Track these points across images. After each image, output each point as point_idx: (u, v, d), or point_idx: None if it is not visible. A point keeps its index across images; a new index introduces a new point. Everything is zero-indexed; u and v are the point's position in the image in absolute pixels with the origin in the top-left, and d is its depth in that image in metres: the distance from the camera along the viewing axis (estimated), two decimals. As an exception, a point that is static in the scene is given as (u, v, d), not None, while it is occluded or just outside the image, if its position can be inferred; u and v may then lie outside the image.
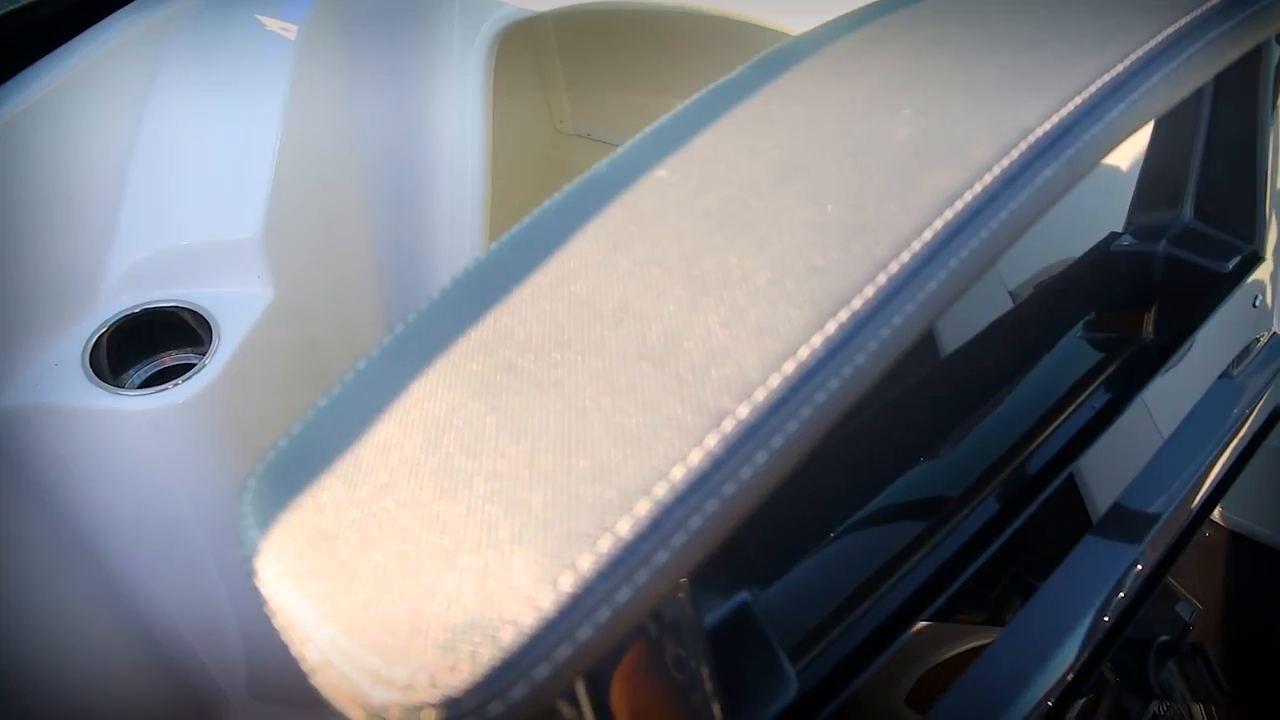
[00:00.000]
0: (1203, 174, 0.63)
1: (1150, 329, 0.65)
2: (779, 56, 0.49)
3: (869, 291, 0.31)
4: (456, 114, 1.22)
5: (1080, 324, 0.65)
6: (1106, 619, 0.48)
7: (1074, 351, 0.63)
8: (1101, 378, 0.61)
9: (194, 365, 1.05)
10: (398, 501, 0.29)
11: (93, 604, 1.21)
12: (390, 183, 1.32)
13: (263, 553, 0.30)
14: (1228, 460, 0.56)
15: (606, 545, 0.26)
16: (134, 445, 1.06)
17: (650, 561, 0.26)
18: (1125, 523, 0.52)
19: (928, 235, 0.33)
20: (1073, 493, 0.83)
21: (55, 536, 1.11)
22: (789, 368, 0.29)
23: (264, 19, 1.07)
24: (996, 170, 0.35)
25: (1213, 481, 0.54)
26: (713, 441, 0.27)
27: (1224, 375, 0.61)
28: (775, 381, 0.29)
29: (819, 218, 0.34)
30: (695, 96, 0.48)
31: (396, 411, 0.33)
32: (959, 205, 0.34)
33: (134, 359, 1.09)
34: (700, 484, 0.27)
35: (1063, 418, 0.59)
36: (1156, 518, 0.51)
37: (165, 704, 1.44)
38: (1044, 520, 0.54)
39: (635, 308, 0.33)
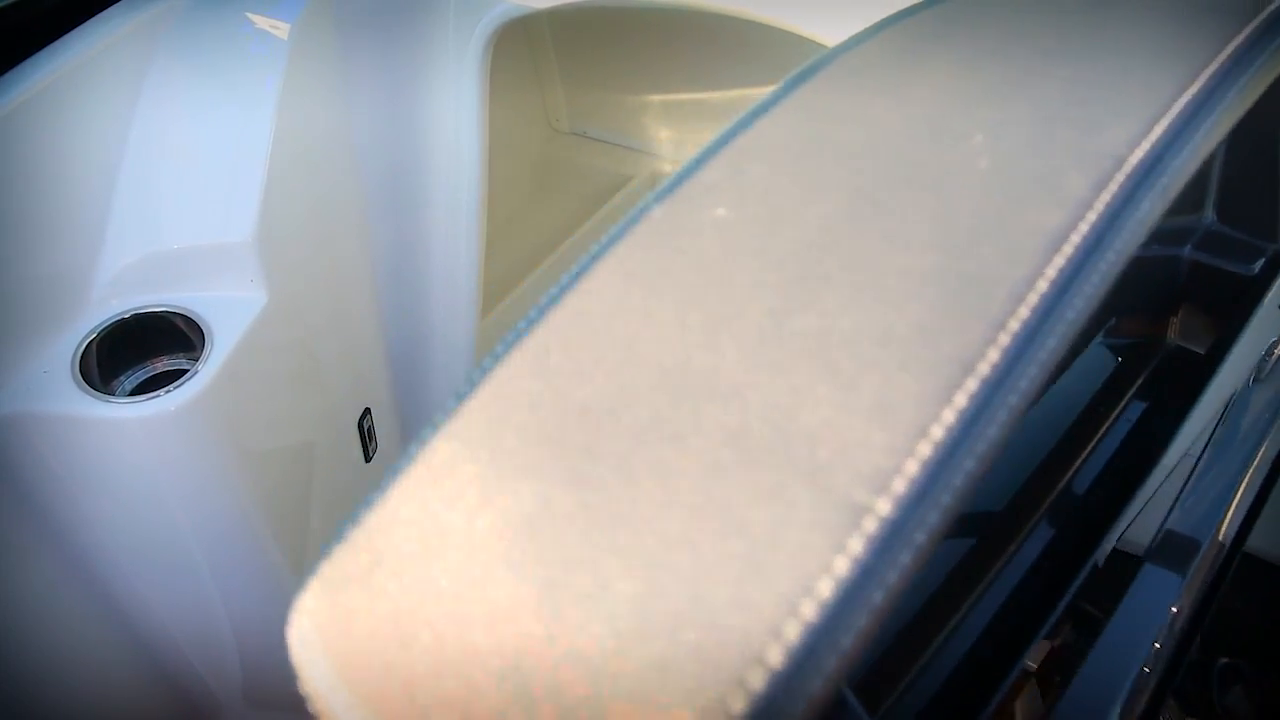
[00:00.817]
0: (1223, 174, 0.61)
1: (1176, 335, 0.63)
2: (818, 72, 0.45)
3: (993, 355, 0.27)
4: (452, 113, 1.20)
5: (1102, 332, 0.63)
6: (1169, 648, 0.46)
7: (1101, 361, 0.61)
8: (1134, 389, 0.59)
9: (186, 371, 1.03)
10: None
11: (85, 613, 1.19)
12: (385, 183, 1.30)
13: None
14: (1268, 476, 0.54)
15: (758, 682, 0.22)
16: (126, 453, 1.04)
17: (803, 691, 0.22)
18: (1176, 549, 0.49)
19: (1042, 285, 0.29)
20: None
21: (46, 546, 1.09)
22: (924, 450, 0.25)
23: (255, 18, 1.05)
24: (1099, 207, 0.31)
25: (1253, 499, 0.52)
26: (857, 546, 0.24)
27: (1252, 383, 0.59)
28: (912, 468, 0.25)
29: (915, 266, 0.31)
30: (736, 120, 0.42)
31: (468, 506, 0.28)
32: (1067, 250, 0.30)
33: (125, 365, 1.07)
34: (849, 598, 0.23)
35: (1104, 434, 0.56)
36: (1202, 540, 0.49)
37: (160, 711, 1.42)
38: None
39: (728, 376, 0.28)
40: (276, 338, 1.14)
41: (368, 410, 1.48)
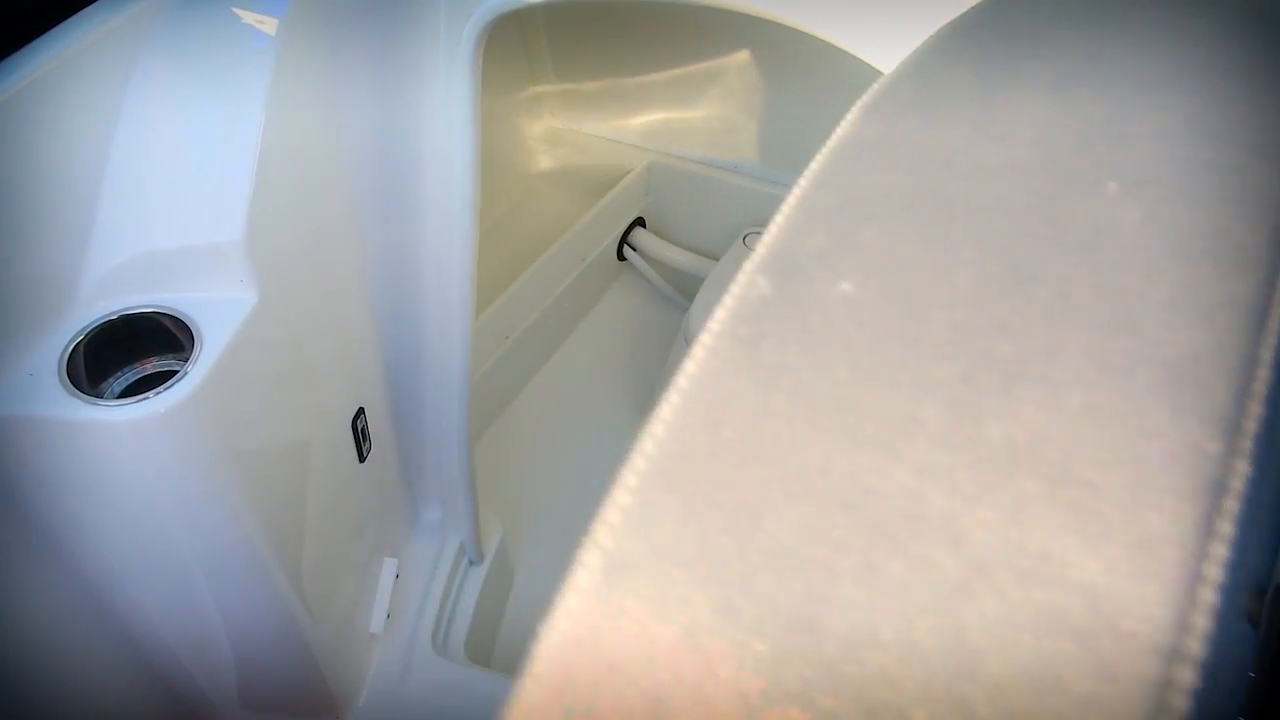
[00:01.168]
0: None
1: None
2: (889, 103, 0.39)
3: (1241, 466, 0.23)
4: (444, 108, 1.19)
5: None
6: None
7: None
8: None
9: (176, 373, 1.01)
10: None
11: (76, 619, 1.18)
12: (376, 181, 1.28)
13: None
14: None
15: None
16: (115, 456, 1.02)
17: None
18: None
19: (1262, 374, 0.24)
20: None
21: (35, 551, 1.08)
22: (1206, 597, 0.21)
23: (243, 13, 1.03)
24: None
25: None
26: None
27: None
28: (1202, 624, 0.21)
29: (1102, 352, 0.26)
30: (817, 164, 0.37)
31: None
32: (1273, 325, 0.25)
33: (113, 367, 1.05)
34: None
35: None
36: None
37: (153, 715, 1.41)
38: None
39: (928, 501, 0.23)
40: (267, 338, 1.12)
41: (361, 410, 1.46)
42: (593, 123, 2.83)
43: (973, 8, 0.45)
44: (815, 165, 0.37)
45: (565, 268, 2.51)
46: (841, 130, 0.39)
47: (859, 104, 0.41)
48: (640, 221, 2.82)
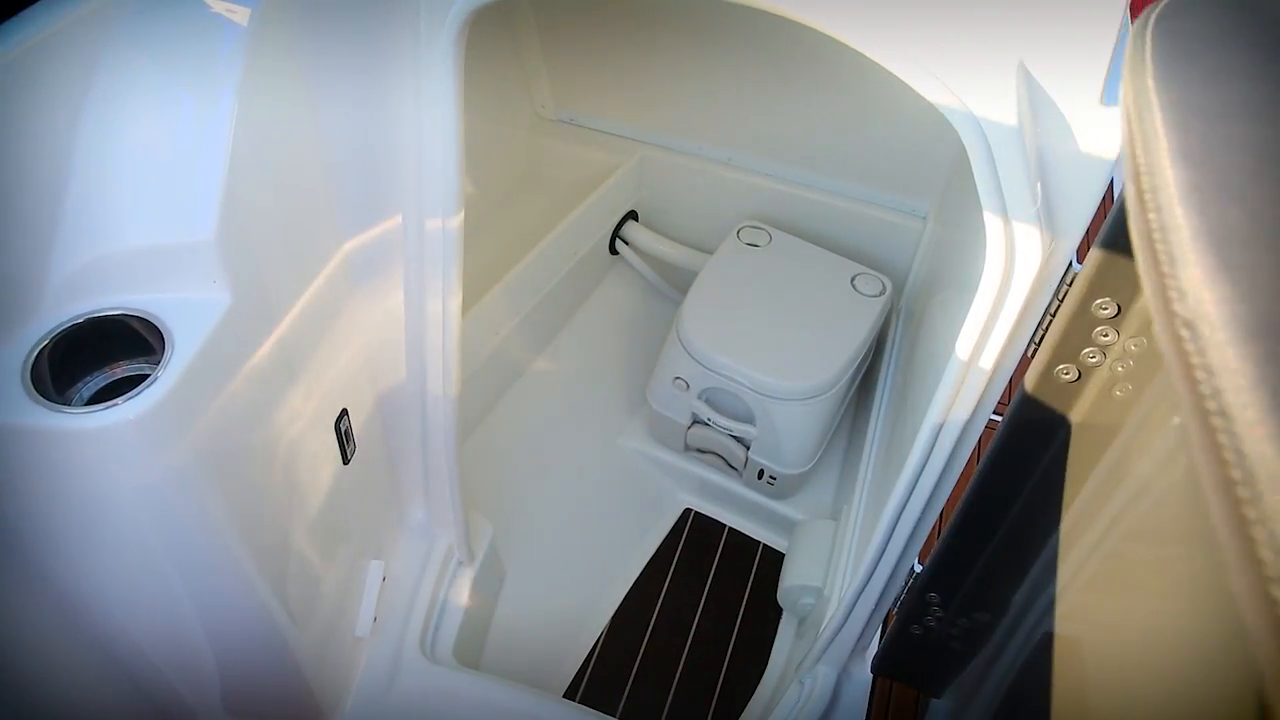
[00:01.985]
0: None
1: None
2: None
3: None
4: (427, 103, 1.15)
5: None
6: None
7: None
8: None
9: (148, 377, 0.97)
10: None
11: (50, 631, 1.14)
12: (359, 176, 1.24)
13: None
14: None
15: None
16: (85, 465, 0.99)
17: None
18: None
19: None
20: None
21: (4, 563, 1.04)
22: None
23: (214, 2, 0.99)
24: None
25: None
26: None
27: None
28: None
29: None
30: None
31: None
32: None
33: (81, 373, 1.01)
34: None
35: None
36: None
37: (135, 724, 1.38)
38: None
39: None
40: (243, 340, 1.08)
41: (345, 411, 1.43)
42: (586, 115, 2.78)
43: None
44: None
45: (557, 262, 2.48)
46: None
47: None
48: (633, 215, 2.78)
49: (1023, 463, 1.21)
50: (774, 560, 2.33)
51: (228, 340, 1.05)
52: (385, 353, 1.51)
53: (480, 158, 2.65)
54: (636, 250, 2.78)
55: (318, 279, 1.24)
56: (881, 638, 1.76)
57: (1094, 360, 1.05)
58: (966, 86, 0.93)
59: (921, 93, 0.95)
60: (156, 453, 1.01)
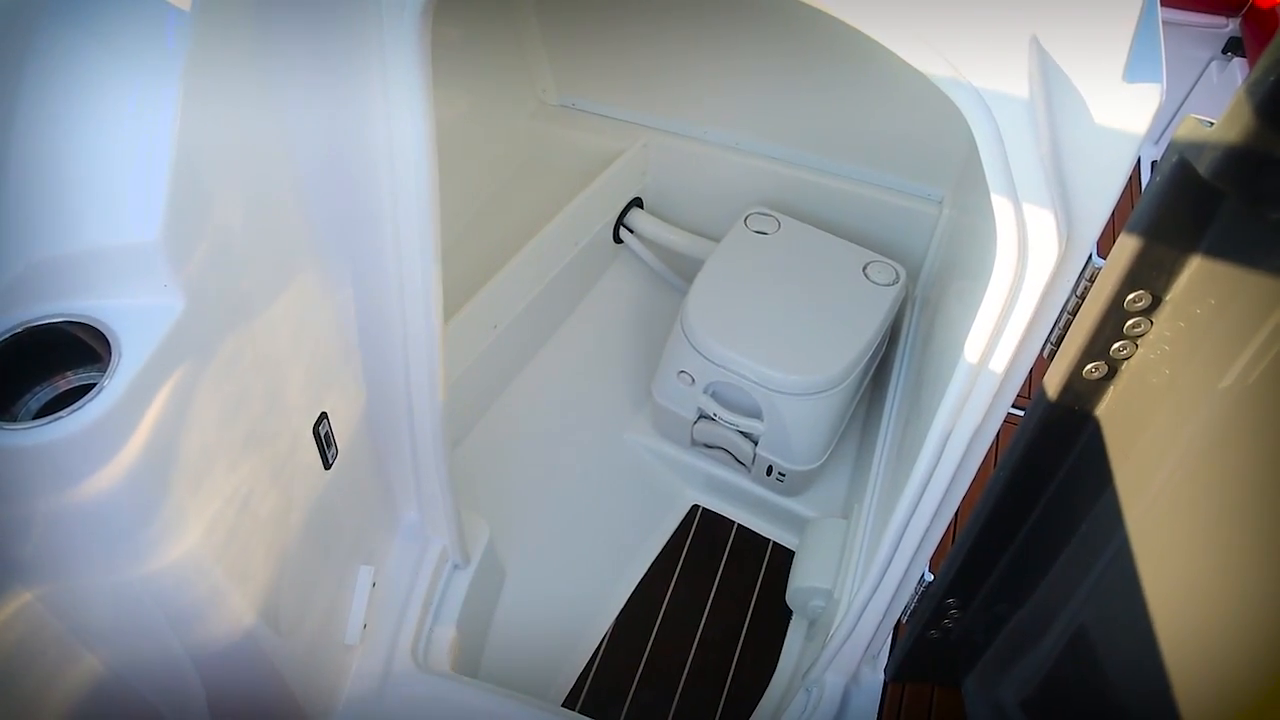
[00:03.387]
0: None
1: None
2: None
3: None
4: (396, 94, 1.07)
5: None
6: None
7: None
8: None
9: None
10: None
11: (12, 658, 1.09)
12: (329, 173, 1.17)
13: None
14: None
15: None
16: (32, 482, 0.93)
17: None
18: None
19: None
20: None
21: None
22: None
23: (157, -16, 0.92)
24: None
25: None
26: None
27: None
28: None
29: None
30: None
31: None
32: None
33: (26, 385, 0.95)
34: None
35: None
36: None
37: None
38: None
39: None
40: (200, 345, 1.02)
41: (324, 415, 1.37)
42: (588, 100, 2.70)
43: None
44: None
45: (557, 252, 2.40)
46: None
47: None
48: (637, 202, 2.70)
49: (1046, 465, 1.13)
50: (784, 558, 2.26)
51: (183, 346, 0.99)
52: (368, 353, 1.44)
53: (479, 145, 2.58)
54: (641, 238, 2.70)
55: (287, 281, 1.17)
56: (892, 643, 1.69)
57: (1125, 353, 0.97)
58: (973, 63, 0.84)
59: (922, 69, 0.86)
60: (113, 465, 0.95)
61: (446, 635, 1.73)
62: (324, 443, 1.38)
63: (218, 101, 0.97)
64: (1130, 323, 0.94)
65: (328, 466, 1.41)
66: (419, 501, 1.72)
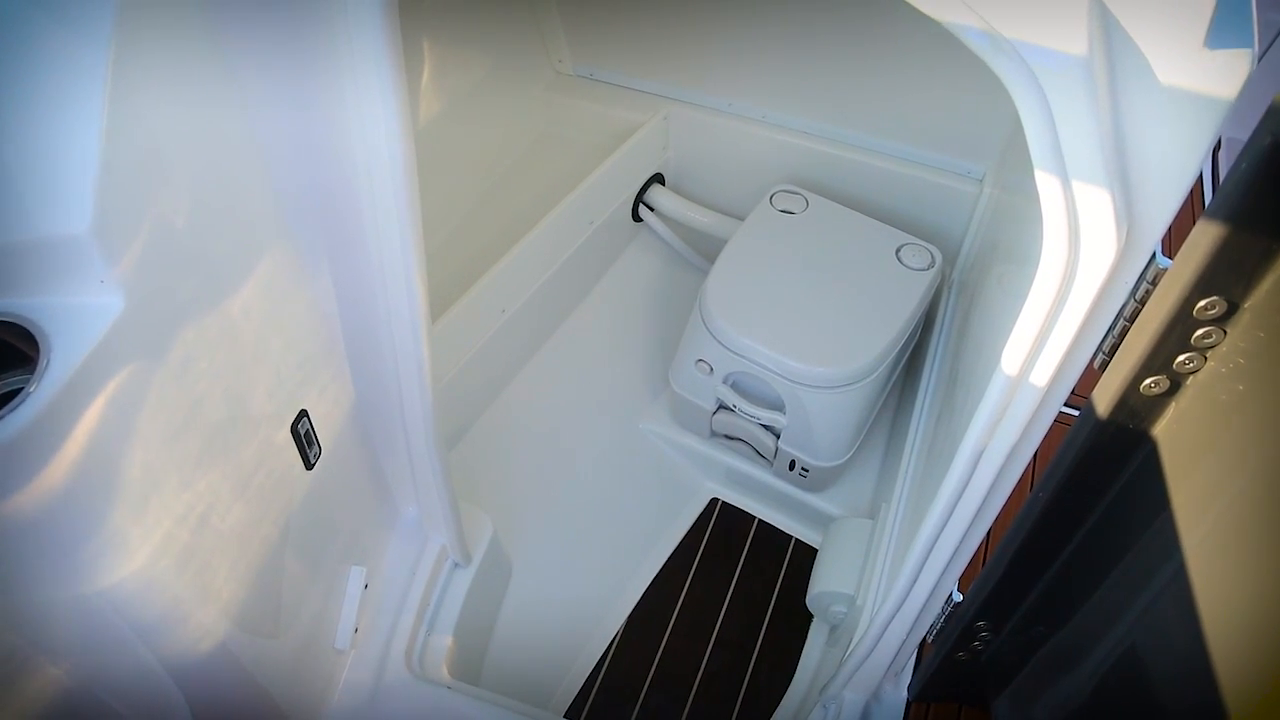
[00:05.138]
0: None
1: None
2: None
3: None
4: (363, 74, 0.96)
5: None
6: None
7: None
8: None
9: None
10: None
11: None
12: (297, 158, 1.07)
13: None
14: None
15: None
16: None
17: None
18: None
19: None
20: None
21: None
22: None
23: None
24: None
25: None
26: None
27: None
28: None
29: None
30: None
31: None
32: None
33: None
34: None
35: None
36: None
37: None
38: None
39: None
40: (147, 349, 0.93)
41: (303, 413, 1.27)
42: (606, 70, 2.56)
43: None
44: None
45: (572, 231, 2.28)
46: None
47: None
48: (658, 178, 2.56)
49: (1093, 487, 1.01)
50: (806, 556, 2.15)
51: (125, 349, 0.89)
52: (354, 344, 1.35)
53: (490, 119, 2.46)
54: (662, 216, 2.56)
55: (251, 273, 1.07)
56: (917, 660, 1.57)
57: (1191, 366, 0.84)
58: (1017, 23, 0.70)
59: (939, 18, 0.73)
60: (46, 478, 0.87)
61: (444, 638, 1.64)
62: (304, 442, 1.29)
63: (158, 73, 0.87)
64: (1200, 333, 0.80)
65: (309, 467, 1.32)
66: (417, 497, 1.63)
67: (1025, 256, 1.24)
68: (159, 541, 1.01)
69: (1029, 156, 0.78)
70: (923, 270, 2.00)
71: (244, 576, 1.22)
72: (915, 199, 2.25)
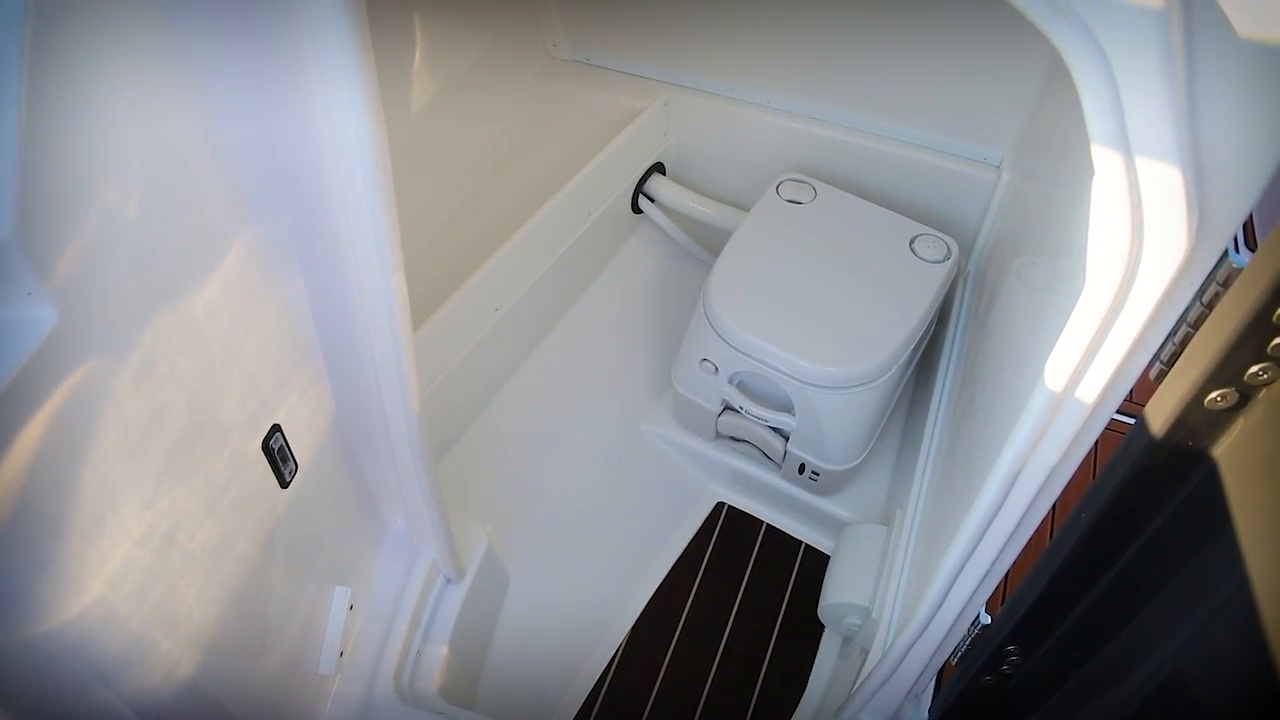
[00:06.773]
0: None
1: None
2: None
3: None
4: (323, 38, 0.86)
5: None
6: None
7: None
8: None
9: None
10: None
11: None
12: (259, 157, 0.97)
13: None
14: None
15: None
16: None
17: None
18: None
19: None
20: None
21: None
22: None
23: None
24: None
25: None
26: None
27: None
28: None
29: None
30: None
31: None
32: None
33: None
34: None
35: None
36: None
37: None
38: None
39: None
40: (97, 355, 0.83)
41: (276, 428, 1.18)
42: (603, 55, 2.45)
43: None
44: None
45: (569, 224, 2.17)
46: None
47: None
48: (659, 167, 2.46)
49: (1140, 513, 0.91)
50: (817, 562, 2.05)
51: (60, 366, 0.80)
52: (332, 352, 1.25)
53: (483, 107, 2.35)
54: (663, 207, 2.46)
55: (210, 277, 0.97)
56: (938, 682, 1.48)
57: (1265, 378, 0.74)
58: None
59: None
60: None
61: (436, 659, 1.55)
62: (277, 459, 1.19)
63: (89, 55, 0.77)
64: (1278, 341, 0.70)
65: (285, 485, 1.23)
66: (404, 510, 1.54)
67: (1060, 249, 1.13)
68: (117, 566, 0.92)
69: (1052, 139, 0.68)
70: (938, 262, 1.89)
71: (216, 599, 1.13)
72: (929, 187, 2.14)
